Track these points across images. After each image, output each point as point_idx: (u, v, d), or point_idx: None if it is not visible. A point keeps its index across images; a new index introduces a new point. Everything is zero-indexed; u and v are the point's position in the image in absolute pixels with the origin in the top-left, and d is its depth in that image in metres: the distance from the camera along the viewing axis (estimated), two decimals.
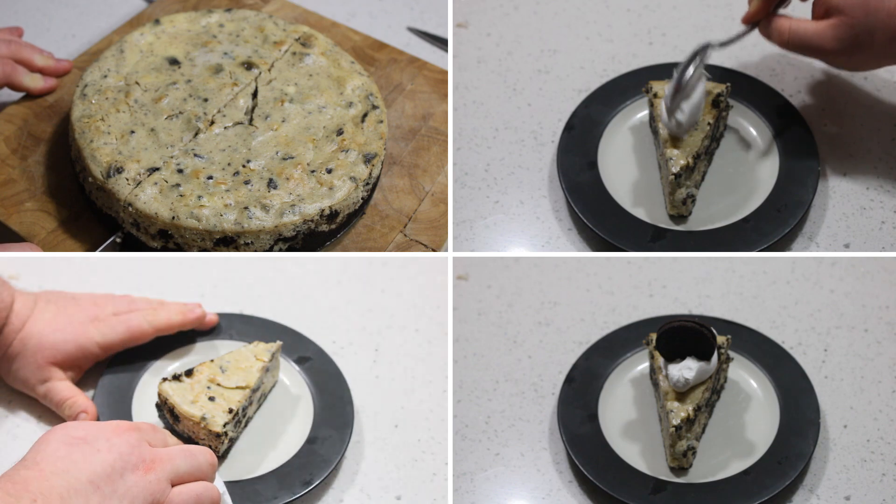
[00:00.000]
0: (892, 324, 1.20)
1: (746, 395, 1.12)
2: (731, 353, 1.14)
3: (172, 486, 0.91)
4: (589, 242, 1.14)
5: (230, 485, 1.01)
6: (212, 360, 1.07)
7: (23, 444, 1.00)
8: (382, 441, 1.09)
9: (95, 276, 1.25)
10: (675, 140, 1.11)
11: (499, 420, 1.13)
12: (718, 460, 1.06)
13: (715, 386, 1.09)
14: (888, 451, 1.07)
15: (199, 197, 1.06)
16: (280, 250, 1.09)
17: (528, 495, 1.07)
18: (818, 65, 1.25)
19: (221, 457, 1.03)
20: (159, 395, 1.04)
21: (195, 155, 1.10)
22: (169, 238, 1.06)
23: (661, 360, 1.07)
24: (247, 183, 1.08)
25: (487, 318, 1.25)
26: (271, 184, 1.08)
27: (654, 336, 1.09)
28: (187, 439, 1.03)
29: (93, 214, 1.12)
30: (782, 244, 1.12)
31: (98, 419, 1.05)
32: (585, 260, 1.30)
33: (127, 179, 1.07)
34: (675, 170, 1.09)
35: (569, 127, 1.19)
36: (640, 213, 1.13)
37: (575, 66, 1.28)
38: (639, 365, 1.16)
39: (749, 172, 1.16)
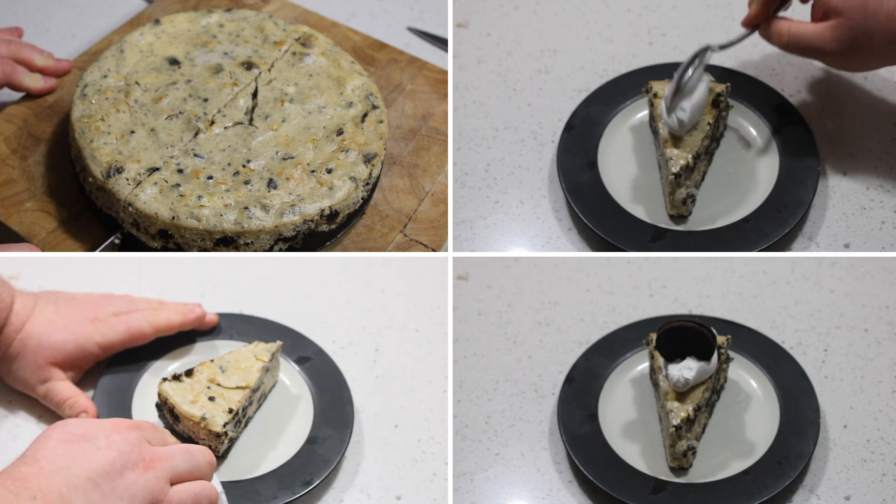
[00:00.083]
0: (892, 324, 1.20)
1: (746, 395, 1.12)
2: (731, 353, 1.14)
3: (171, 484, 0.91)
4: (589, 242, 1.14)
5: (230, 485, 1.01)
6: (212, 360, 1.07)
7: (23, 445, 1.00)
8: (382, 441, 1.09)
9: (95, 276, 1.25)
10: (676, 140, 1.11)
11: (499, 420, 1.13)
12: (718, 460, 1.06)
13: (715, 386, 1.09)
14: (888, 451, 1.07)
15: (199, 197, 1.06)
16: (280, 250, 1.09)
17: (528, 495, 1.07)
18: (818, 65, 1.25)
19: (221, 457, 1.03)
20: (159, 395, 1.04)
21: (195, 155, 1.10)
22: (169, 238, 1.06)
23: (661, 360, 1.07)
24: (247, 183, 1.08)
25: (487, 318, 1.25)
26: (271, 184, 1.08)
27: (654, 336, 1.09)
28: (187, 439, 1.03)
29: (93, 214, 1.12)
30: (782, 244, 1.12)
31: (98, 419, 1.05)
32: (585, 260, 1.30)
33: (127, 179, 1.07)
34: (675, 170, 1.09)
35: (569, 127, 1.19)
36: (640, 213, 1.13)
37: (575, 66, 1.28)
38: (639, 365, 1.16)
39: (749, 172, 1.16)
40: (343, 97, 1.18)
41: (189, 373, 1.05)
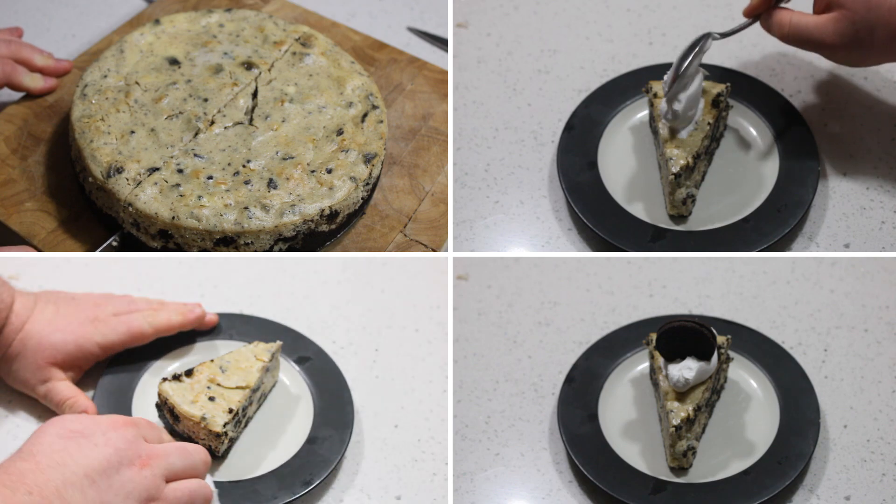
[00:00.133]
0: (892, 324, 1.20)
1: (746, 395, 1.12)
2: (731, 353, 1.14)
3: (167, 482, 0.91)
4: (589, 242, 1.14)
5: (230, 484, 1.01)
6: (212, 360, 1.07)
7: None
8: (382, 441, 1.09)
9: (95, 276, 1.25)
10: (676, 140, 1.11)
11: (499, 420, 1.13)
12: (718, 460, 1.06)
13: (715, 386, 1.09)
14: (888, 451, 1.07)
15: (199, 197, 1.06)
16: (280, 250, 1.09)
17: (528, 495, 1.07)
18: (818, 64, 1.25)
19: (221, 457, 1.03)
20: (159, 395, 1.04)
21: (195, 155, 1.10)
22: (169, 238, 1.06)
23: (661, 360, 1.07)
24: (247, 183, 1.08)
25: (487, 318, 1.25)
26: (271, 184, 1.08)
27: (654, 336, 1.09)
28: (187, 439, 1.03)
29: (93, 214, 1.12)
30: (782, 244, 1.12)
31: None
32: (585, 260, 1.30)
33: (127, 179, 1.07)
34: (675, 170, 1.09)
35: (569, 127, 1.19)
36: (640, 213, 1.13)
37: (575, 66, 1.28)
38: (639, 365, 1.16)
39: (749, 172, 1.16)
40: (343, 97, 1.18)
41: (189, 373, 1.05)
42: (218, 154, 1.11)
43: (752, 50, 1.26)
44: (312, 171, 1.10)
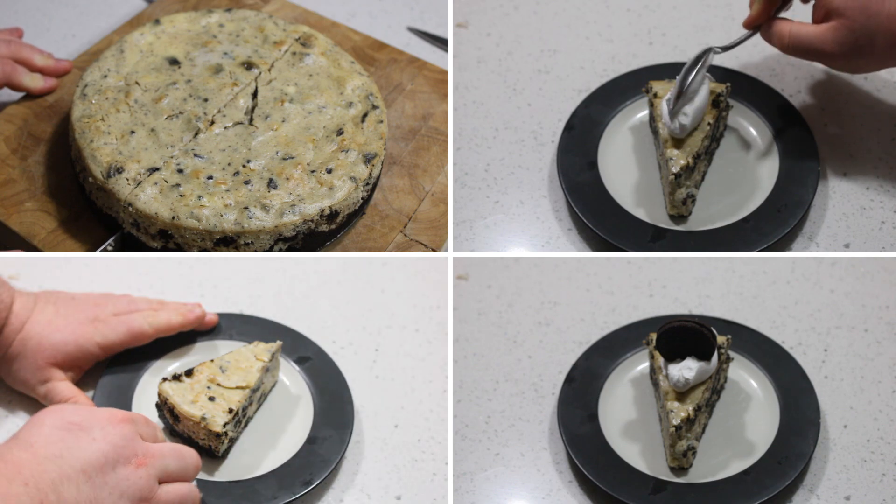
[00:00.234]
0: (892, 324, 1.20)
1: (746, 395, 1.12)
2: (731, 353, 1.14)
3: (159, 483, 0.91)
4: (589, 242, 1.14)
5: (230, 484, 1.01)
6: (212, 360, 1.07)
7: None
8: (382, 441, 1.09)
9: (95, 276, 1.25)
10: (676, 140, 1.11)
11: (499, 420, 1.13)
12: (718, 460, 1.06)
13: (715, 386, 1.09)
14: (888, 451, 1.07)
15: (199, 197, 1.06)
16: (280, 250, 1.09)
17: (528, 495, 1.07)
18: (818, 65, 1.25)
19: (221, 457, 1.03)
20: (159, 395, 1.04)
21: (195, 155, 1.10)
22: (169, 238, 1.06)
23: (661, 360, 1.07)
24: (247, 183, 1.08)
25: (487, 318, 1.25)
26: (271, 184, 1.08)
27: (654, 336, 1.09)
28: (187, 439, 1.03)
29: (93, 214, 1.12)
30: (782, 244, 1.12)
31: None
32: (585, 260, 1.30)
33: (127, 179, 1.07)
34: (675, 170, 1.09)
35: (569, 127, 1.19)
36: (640, 213, 1.13)
37: (575, 66, 1.28)
38: (639, 365, 1.16)
39: (749, 172, 1.16)
40: (343, 97, 1.18)
41: (189, 373, 1.05)
42: (218, 154, 1.11)
43: (753, 50, 1.26)
44: (312, 171, 1.10)
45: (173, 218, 1.05)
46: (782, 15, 1.10)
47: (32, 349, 1.05)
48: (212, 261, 1.27)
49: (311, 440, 1.05)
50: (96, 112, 1.13)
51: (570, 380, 1.14)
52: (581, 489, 1.06)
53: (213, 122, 1.14)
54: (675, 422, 1.03)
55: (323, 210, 1.09)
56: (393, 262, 1.30)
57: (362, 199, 1.13)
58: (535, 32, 1.32)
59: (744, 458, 1.05)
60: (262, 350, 1.09)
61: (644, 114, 1.20)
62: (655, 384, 1.10)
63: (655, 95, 1.15)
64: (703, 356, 1.05)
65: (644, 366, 1.15)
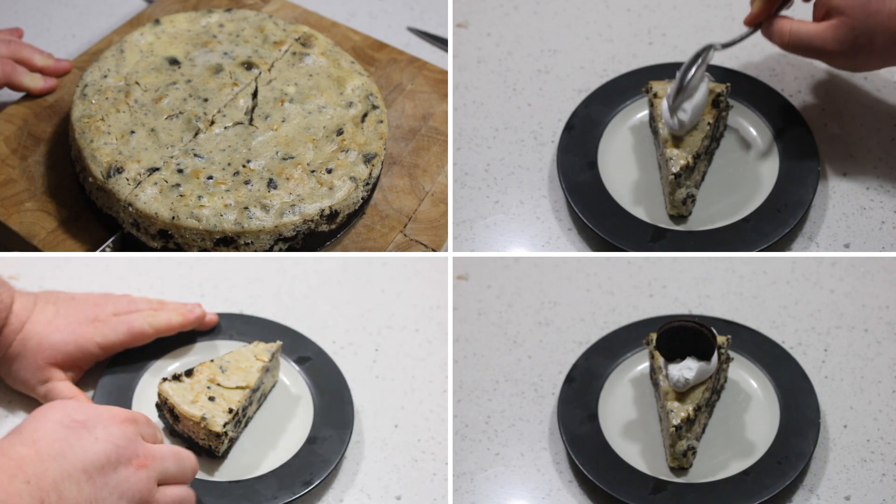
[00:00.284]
0: (892, 324, 1.20)
1: (746, 395, 1.12)
2: (731, 353, 1.14)
3: (158, 485, 0.91)
4: (589, 242, 1.14)
5: (230, 484, 1.01)
6: (212, 360, 1.07)
7: None
8: (382, 441, 1.09)
9: (95, 276, 1.25)
10: (676, 140, 1.11)
11: (499, 420, 1.13)
12: (718, 460, 1.06)
13: (715, 386, 1.09)
14: (888, 451, 1.07)
15: (199, 197, 1.06)
16: (280, 250, 1.09)
17: (528, 495, 1.07)
18: (818, 65, 1.25)
19: (221, 457, 1.03)
20: (159, 395, 1.04)
21: (195, 155, 1.10)
22: (169, 238, 1.06)
23: (661, 360, 1.07)
24: (247, 183, 1.08)
25: (487, 318, 1.25)
26: (271, 184, 1.08)
27: (654, 336, 1.09)
28: (187, 439, 1.03)
29: (93, 214, 1.12)
30: (782, 244, 1.12)
31: None
32: (585, 260, 1.30)
33: (127, 179, 1.07)
34: (675, 170, 1.09)
35: (569, 127, 1.19)
36: (640, 213, 1.13)
37: (575, 66, 1.28)
38: (639, 365, 1.16)
39: (749, 172, 1.16)
40: (343, 97, 1.18)
41: (189, 373, 1.05)
42: (218, 154, 1.11)
43: (753, 50, 1.26)
44: (312, 171, 1.10)
45: (173, 218, 1.05)
46: (783, 13, 1.10)
47: (32, 349, 1.05)
48: (212, 261, 1.27)
49: (311, 440, 1.05)
50: (96, 112, 1.13)
51: (570, 380, 1.14)
52: (581, 489, 1.06)
53: (213, 122, 1.14)
54: (675, 422, 1.03)
55: (323, 210, 1.09)
56: (393, 262, 1.30)
57: (362, 199, 1.13)
58: (535, 32, 1.32)
59: (744, 458, 1.05)
60: (262, 350, 1.09)
61: (644, 114, 1.20)
62: (655, 384, 1.10)
63: (655, 95, 1.15)
64: (703, 356, 1.05)
65: (644, 366, 1.15)
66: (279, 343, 1.10)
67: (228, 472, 1.03)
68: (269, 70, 1.20)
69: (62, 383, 1.05)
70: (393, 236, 1.14)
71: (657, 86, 1.16)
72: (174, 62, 1.19)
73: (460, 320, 1.24)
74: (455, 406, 1.15)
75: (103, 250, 1.09)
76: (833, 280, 1.26)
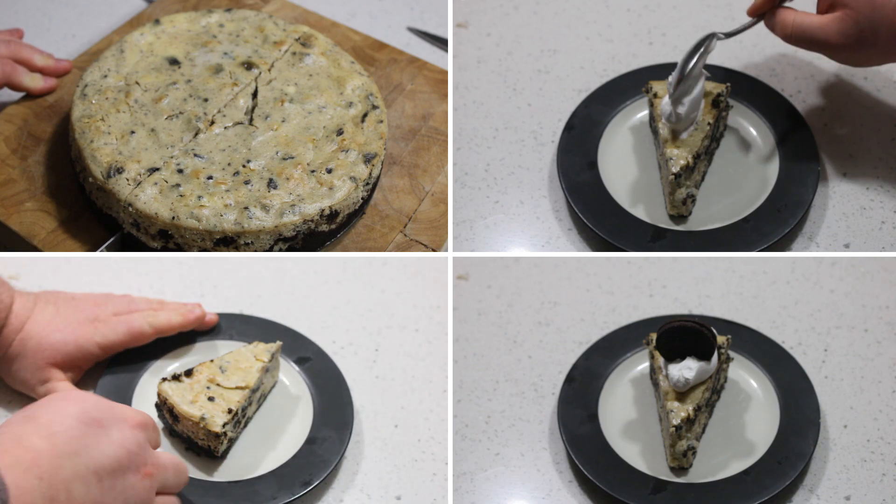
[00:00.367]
0: (892, 324, 1.20)
1: (746, 395, 1.12)
2: (731, 353, 1.14)
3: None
4: (589, 242, 1.14)
5: (230, 485, 1.01)
6: (211, 361, 1.07)
7: None
8: (382, 441, 1.09)
9: (95, 276, 1.25)
10: (676, 140, 1.11)
11: (499, 420, 1.13)
12: (718, 460, 1.06)
13: (715, 386, 1.09)
14: (888, 451, 1.07)
15: (199, 197, 1.06)
16: (280, 250, 1.09)
17: (528, 495, 1.07)
18: (819, 65, 1.25)
19: (221, 457, 1.03)
20: (159, 395, 1.04)
21: (195, 155, 1.10)
22: (169, 238, 1.06)
23: (661, 360, 1.07)
24: (247, 183, 1.08)
25: (487, 318, 1.25)
26: (271, 184, 1.08)
27: (654, 336, 1.09)
28: (187, 439, 1.03)
29: (93, 214, 1.12)
30: (782, 244, 1.12)
31: None
32: (585, 260, 1.30)
33: (127, 179, 1.07)
34: (675, 170, 1.09)
35: (569, 127, 1.19)
36: (640, 213, 1.13)
37: (575, 66, 1.28)
38: (639, 365, 1.15)
39: (749, 172, 1.16)
40: (343, 97, 1.18)
41: (189, 373, 1.05)
42: (218, 154, 1.11)
43: (753, 50, 1.26)
44: (312, 171, 1.10)
45: (173, 218, 1.05)
46: (787, 5, 1.09)
47: (32, 349, 1.05)
48: (212, 261, 1.27)
49: (310, 440, 1.05)
50: (96, 112, 1.13)
51: (570, 380, 1.14)
52: (581, 489, 1.06)
53: (213, 122, 1.14)
54: (675, 422, 1.03)
55: (323, 210, 1.09)
56: (393, 262, 1.30)
57: (362, 199, 1.13)
58: (535, 32, 1.32)
59: (744, 458, 1.05)
60: (261, 350, 1.09)
61: (644, 114, 1.20)
62: (655, 384, 1.10)
63: (655, 95, 1.15)
64: (703, 356, 1.05)
65: (644, 366, 1.15)
66: (279, 343, 1.10)
67: (228, 472, 1.03)
68: (269, 70, 1.20)
69: (62, 383, 1.05)
70: (393, 236, 1.14)
71: (657, 86, 1.16)
72: (174, 62, 1.19)
73: (460, 320, 1.24)
74: (455, 406, 1.15)
75: (103, 250, 1.09)
76: (833, 280, 1.26)
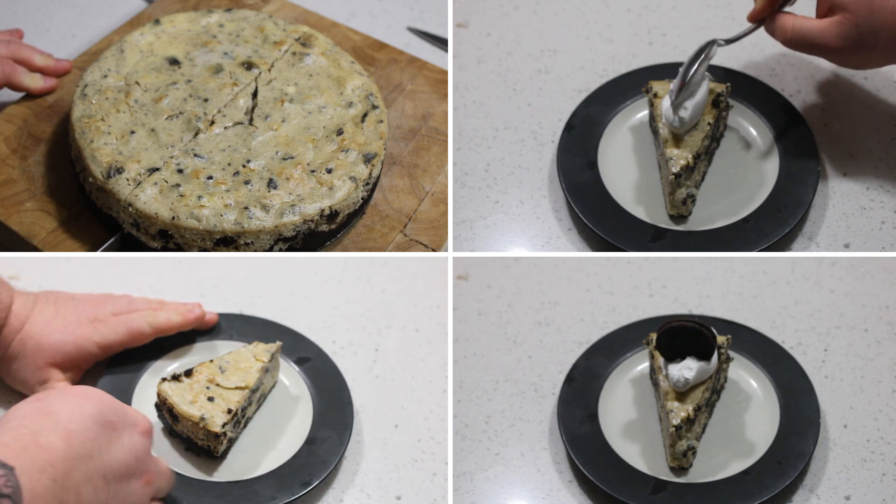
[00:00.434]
0: (892, 324, 1.20)
1: (746, 395, 1.12)
2: (731, 353, 1.14)
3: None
4: (589, 242, 1.14)
5: (229, 485, 1.01)
6: (211, 361, 1.07)
7: None
8: (382, 441, 1.09)
9: (95, 276, 1.25)
10: (676, 140, 1.11)
11: (499, 420, 1.13)
12: (718, 460, 1.06)
13: (715, 386, 1.09)
14: (888, 451, 1.07)
15: (199, 197, 1.06)
16: (280, 250, 1.09)
17: (528, 495, 1.07)
18: (818, 65, 1.25)
19: (220, 457, 1.03)
20: (158, 395, 1.04)
21: (195, 155, 1.10)
22: (169, 238, 1.06)
23: (661, 360, 1.07)
24: (247, 183, 1.08)
25: (487, 318, 1.25)
26: (271, 184, 1.08)
27: (654, 336, 1.09)
28: (186, 439, 1.03)
29: (93, 214, 1.12)
30: (782, 244, 1.12)
31: None
32: (585, 260, 1.30)
33: (127, 180, 1.07)
34: (675, 170, 1.09)
35: (569, 127, 1.19)
36: (640, 213, 1.13)
37: (575, 66, 1.28)
38: (639, 365, 1.15)
39: (749, 172, 1.16)
40: (343, 97, 1.18)
41: (188, 373, 1.05)
42: (218, 154, 1.11)
43: (753, 50, 1.26)
44: (312, 171, 1.10)
45: (173, 218, 1.05)
46: (786, 9, 1.10)
47: (32, 349, 1.05)
48: (212, 261, 1.27)
49: (310, 441, 1.05)
50: (96, 112, 1.13)
51: (570, 380, 1.14)
52: (581, 489, 1.06)
53: (213, 122, 1.14)
54: (675, 422, 1.03)
55: (323, 210, 1.09)
56: (393, 262, 1.30)
57: (362, 199, 1.13)
58: (535, 32, 1.32)
59: (744, 458, 1.05)
60: (261, 350, 1.09)
61: (644, 114, 1.20)
62: (655, 384, 1.10)
63: (655, 95, 1.15)
64: (703, 356, 1.05)
65: (644, 366, 1.15)
66: (279, 343, 1.10)
67: (227, 472, 1.03)
68: (269, 70, 1.20)
69: (61, 384, 1.05)
70: (393, 236, 1.14)
71: (657, 86, 1.16)
72: (174, 62, 1.19)
73: (460, 320, 1.24)
74: (455, 406, 1.15)
75: (103, 250, 1.09)
76: (833, 280, 1.26)
